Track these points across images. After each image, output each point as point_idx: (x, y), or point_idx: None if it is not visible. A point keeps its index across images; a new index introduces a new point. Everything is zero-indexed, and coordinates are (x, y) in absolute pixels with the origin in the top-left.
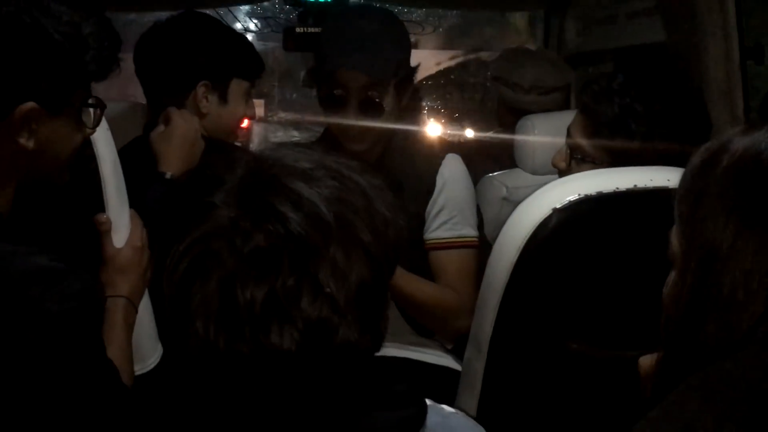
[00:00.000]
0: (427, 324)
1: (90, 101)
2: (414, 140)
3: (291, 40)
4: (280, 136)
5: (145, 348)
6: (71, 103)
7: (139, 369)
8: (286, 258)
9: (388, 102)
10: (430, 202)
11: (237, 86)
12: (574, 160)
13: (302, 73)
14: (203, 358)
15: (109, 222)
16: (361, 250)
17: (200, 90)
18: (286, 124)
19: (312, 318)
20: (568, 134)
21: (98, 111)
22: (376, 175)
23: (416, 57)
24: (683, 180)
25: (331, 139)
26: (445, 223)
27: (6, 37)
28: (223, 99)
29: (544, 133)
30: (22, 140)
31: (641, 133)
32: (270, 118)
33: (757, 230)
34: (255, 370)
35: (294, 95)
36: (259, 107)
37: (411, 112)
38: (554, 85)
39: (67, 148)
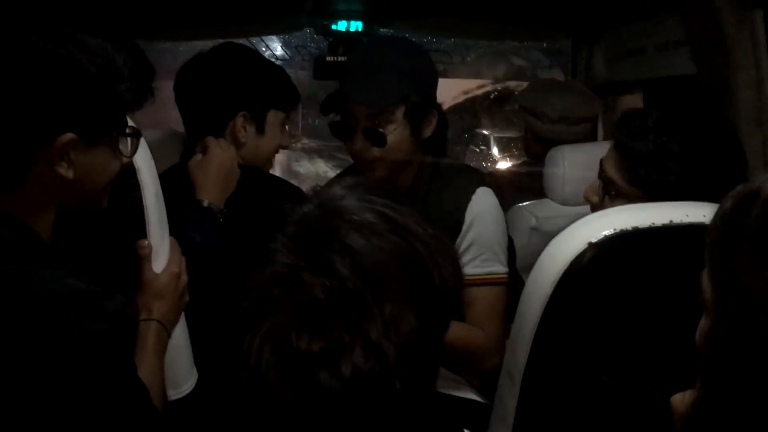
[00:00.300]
0: (455, 363)
1: (126, 130)
2: (443, 172)
3: (321, 69)
4: (304, 165)
5: (181, 374)
6: (108, 133)
7: (174, 394)
8: (341, 313)
9: (394, 131)
10: (459, 237)
11: (274, 117)
12: (607, 195)
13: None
14: (251, 392)
15: (149, 247)
16: (418, 306)
17: (239, 120)
18: (310, 152)
19: (362, 371)
20: (602, 168)
21: (135, 139)
22: (435, 228)
23: (444, 85)
24: (714, 225)
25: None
26: (474, 259)
27: (44, 71)
28: (261, 129)
29: (573, 165)
30: (62, 170)
31: (676, 171)
32: (293, 145)
33: None
34: (302, 409)
35: (317, 121)
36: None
37: (438, 143)
38: (582, 115)
39: (104, 176)
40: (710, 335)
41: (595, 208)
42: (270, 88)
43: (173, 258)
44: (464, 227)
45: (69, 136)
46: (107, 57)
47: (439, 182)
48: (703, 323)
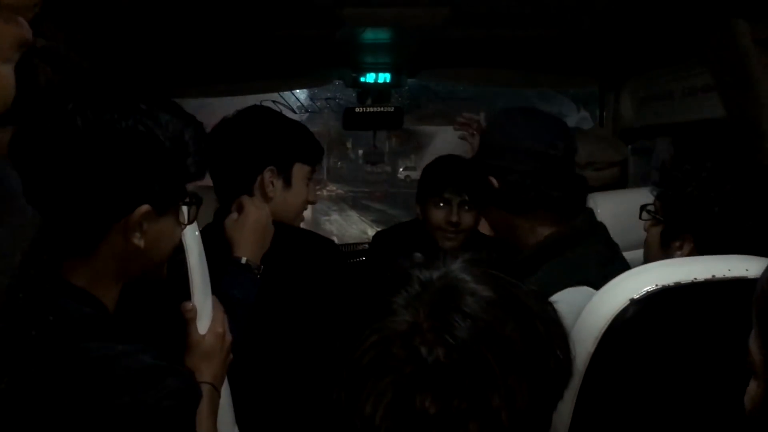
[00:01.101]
0: None
1: (187, 199)
2: (562, 256)
3: (351, 120)
4: (335, 220)
5: None
6: (175, 203)
7: None
8: (466, 378)
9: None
10: None
11: (299, 170)
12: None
13: (349, 142)
14: None
15: (194, 310)
16: (534, 384)
17: (267, 174)
18: (338, 200)
19: None
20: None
21: (194, 207)
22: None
23: None
24: (761, 287)
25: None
26: None
27: (126, 147)
28: (287, 183)
29: (606, 211)
30: (135, 240)
31: (720, 218)
32: (319, 192)
33: None
34: None
35: (339, 163)
36: None
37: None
38: (608, 160)
39: (170, 244)
40: (761, 401)
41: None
42: (293, 142)
43: (217, 317)
44: None
45: (145, 207)
46: (177, 132)
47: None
48: (753, 388)
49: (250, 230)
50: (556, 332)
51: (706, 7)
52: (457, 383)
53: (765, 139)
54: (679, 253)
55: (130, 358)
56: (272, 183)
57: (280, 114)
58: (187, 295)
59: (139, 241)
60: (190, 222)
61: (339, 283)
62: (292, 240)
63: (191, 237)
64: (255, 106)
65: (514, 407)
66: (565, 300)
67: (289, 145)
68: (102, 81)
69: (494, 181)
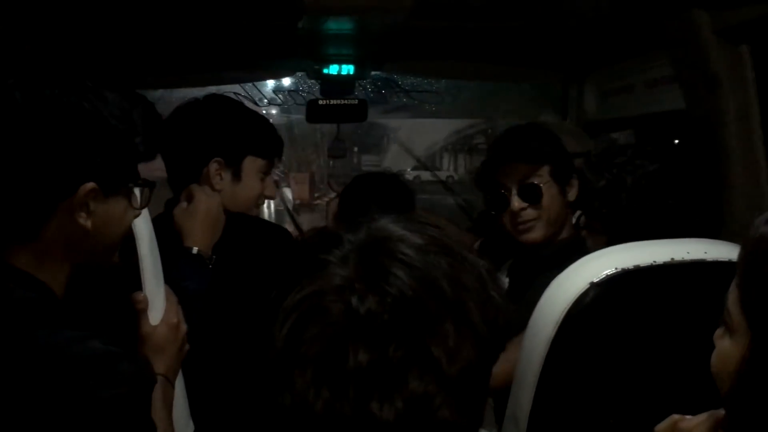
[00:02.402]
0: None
1: (139, 181)
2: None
3: (314, 112)
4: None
5: (178, 426)
6: (124, 184)
7: None
8: (401, 326)
9: (546, 189)
10: None
11: (251, 163)
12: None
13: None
14: (296, 421)
15: (146, 300)
16: (472, 330)
17: (213, 166)
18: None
19: (417, 392)
20: None
21: (147, 190)
22: (488, 260)
23: (436, 125)
24: (744, 251)
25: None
26: None
27: (69, 123)
28: (237, 176)
29: None
30: (81, 220)
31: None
32: (318, 201)
33: None
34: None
35: (332, 163)
36: (302, 184)
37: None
38: (572, 152)
39: (119, 228)
40: (742, 359)
41: None
42: (245, 134)
43: (170, 308)
44: None
45: (90, 185)
46: (124, 110)
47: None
48: (726, 348)
49: (201, 219)
50: (491, 278)
51: None
52: (391, 332)
53: (722, 129)
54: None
55: (79, 345)
56: (219, 175)
57: (235, 103)
58: (138, 285)
59: (85, 221)
60: (142, 206)
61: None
62: (244, 229)
63: (142, 225)
64: (211, 95)
65: (454, 355)
66: None
67: (240, 137)
68: (47, 61)
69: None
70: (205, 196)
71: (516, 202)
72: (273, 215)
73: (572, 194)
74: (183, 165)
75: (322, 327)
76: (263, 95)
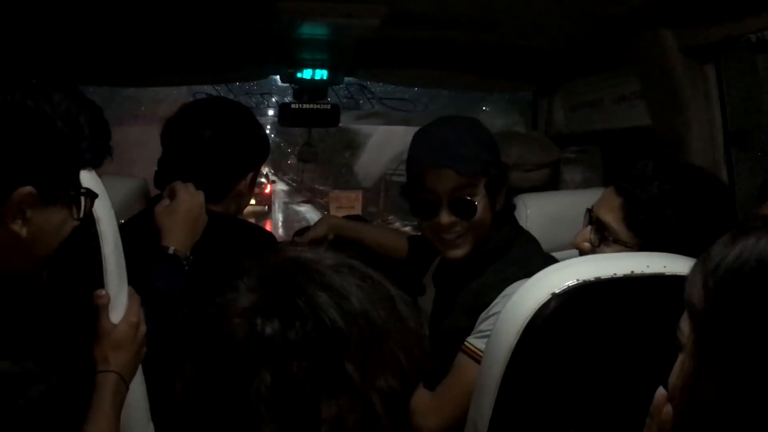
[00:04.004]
0: None
1: (82, 190)
2: (506, 255)
3: (287, 116)
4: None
5: (137, 428)
6: (66, 191)
7: None
8: (307, 342)
9: (480, 202)
10: (483, 314)
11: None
12: (603, 242)
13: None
14: None
15: (107, 297)
16: (390, 356)
17: (248, 179)
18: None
19: (330, 417)
20: (594, 215)
21: (89, 201)
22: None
23: (408, 132)
24: (693, 275)
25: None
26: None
27: (10, 122)
28: (251, 187)
29: (536, 213)
30: (15, 227)
31: (675, 218)
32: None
33: None
34: None
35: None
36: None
37: (505, 220)
38: (538, 162)
39: (56, 238)
40: (691, 373)
41: (585, 254)
42: (266, 146)
43: (132, 308)
44: (491, 307)
45: (28, 189)
46: (70, 113)
47: (497, 265)
48: (682, 363)
49: (181, 218)
50: (403, 303)
51: (633, 16)
52: (297, 348)
53: (687, 146)
54: None
55: None
56: (248, 187)
57: (252, 116)
58: (100, 285)
59: (20, 229)
60: (82, 217)
61: None
62: (227, 231)
63: (107, 224)
64: (212, 98)
65: (371, 378)
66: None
67: (264, 149)
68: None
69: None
70: (189, 195)
71: (445, 217)
72: None
73: (500, 204)
74: (216, 179)
75: (225, 350)
76: (235, 97)
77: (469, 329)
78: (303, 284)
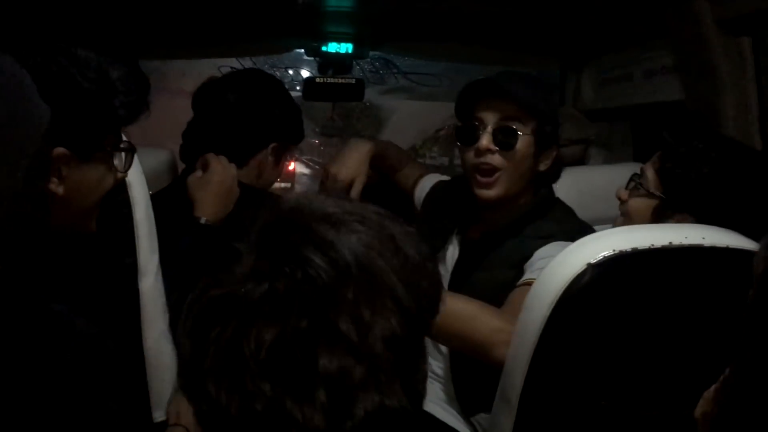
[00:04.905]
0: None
1: (121, 145)
2: (544, 217)
3: (311, 90)
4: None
5: (167, 394)
6: (102, 148)
7: (159, 416)
8: (298, 301)
9: (522, 139)
10: (526, 264)
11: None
12: (633, 191)
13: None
14: (213, 427)
15: None
16: (389, 299)
17: (270, 150)
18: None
19: (332, 372)
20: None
21: (129, 155)
22: (409, 224)
23: (433, 108)
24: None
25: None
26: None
27: (35, 85)
28: (277, 162)
29: (566, 187)
30: (52, 186)
31: (701, 170)
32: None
33: None
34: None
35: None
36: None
37: (547, 186)
38: (573, 138)
39: (96, 193)
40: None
41: (621, 206)
42: (298, 121)
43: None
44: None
45: (60, 150)
46: (101, 70)
47: (532, 225)
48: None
49: (214, 190)
50: (410, 242)
51: None
52: (290, 306)
53: (720, 120)
54: None
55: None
56: (273, 159)
57: (284, 87)
58: (132, 251)
59: (57, 187)
60: (124, 171)
61: None
62: (258, 203)
63: (138, 190)
64: (260, 72)
65: (370, 328)
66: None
67: (297, 124)
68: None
69: (552, 152)
70: (221, 167)
71: (485, 140)
72: None
73: (545, 164)
74: (237, 145)
75: (223, 319)
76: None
77: (510, 282)
78: (294, 243)
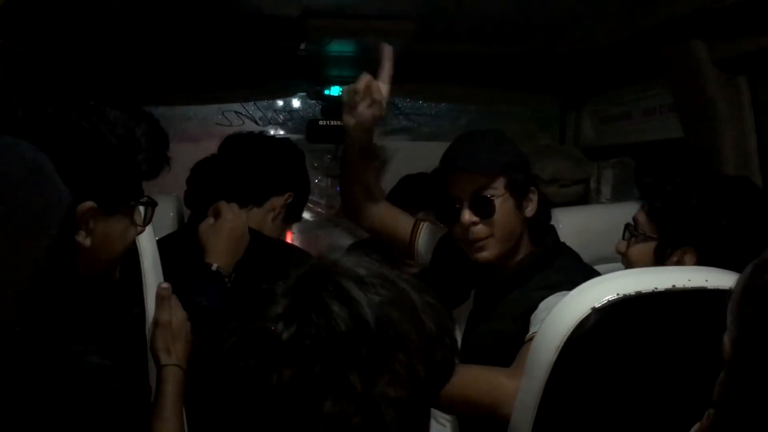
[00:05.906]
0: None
1: (142, 200)
2: (550, 266)
3: (314, 132)
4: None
5: None
6: (125, 202)
7: None
8: (317, 346)
9: (499, 200)
10: (532, 316)
11: None
12: (632, 239)
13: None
14: None
15: (169, 289)
16: (400, 363)
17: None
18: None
19: (333, 414)
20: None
21: (149, 209)
22: (432, 294)
23: (435, 149)
24: (735, 288)
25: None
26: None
27: (68, 142)
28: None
29: (568, 227)
30: (80, 238)
31: (691, 204)
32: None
33: None
34: None
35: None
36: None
37: (544, 232)
38: (574, 178)
39: (120, 244)
40: (726, 386)
41: (623, 259)
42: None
43: (177, 304)
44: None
45: (89, 204)
46: (127, 128)
47: (539, 275)
48: (722, 377)
49: (225, 237)
50: (430, 311)
51: (665, 28)
52: (309, 351)
53: (720, 157)
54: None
55: (75, 359)
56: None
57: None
58: (140, 301)
59: (84, 239)
60: (145, 223)
61: None
62: (268, 251)
63: (146, 241)
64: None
65: (376, 385)
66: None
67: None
68: (54, 79)
69: (533, 195)
70: (233, 214)
71: (467, 216)
72: None
73: (530, 209)
74: (259, 183)
75: (252, 353)
76: (264, 115)
77: (514, 333)
78: (323, 295)
